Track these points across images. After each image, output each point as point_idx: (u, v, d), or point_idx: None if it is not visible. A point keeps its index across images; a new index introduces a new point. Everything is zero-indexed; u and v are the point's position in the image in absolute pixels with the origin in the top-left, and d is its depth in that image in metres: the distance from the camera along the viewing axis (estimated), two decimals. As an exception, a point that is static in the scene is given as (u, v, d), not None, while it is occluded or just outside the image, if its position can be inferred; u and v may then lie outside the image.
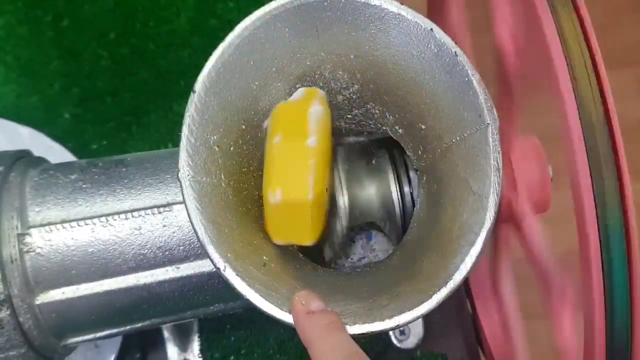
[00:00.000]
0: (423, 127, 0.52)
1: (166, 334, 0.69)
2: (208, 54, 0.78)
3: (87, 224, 0.53)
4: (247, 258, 0.47)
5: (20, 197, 0.53)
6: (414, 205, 0.56)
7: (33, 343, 0.53)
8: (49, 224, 0.52)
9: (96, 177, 0.55)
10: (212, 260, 0.45)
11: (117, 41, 0.79)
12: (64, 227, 0.53)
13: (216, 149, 0.48)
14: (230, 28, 0.71)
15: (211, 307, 0.57)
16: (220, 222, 0.46)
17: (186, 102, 0.74)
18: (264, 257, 0.48)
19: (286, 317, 0.43)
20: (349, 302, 0.46)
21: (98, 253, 0.53)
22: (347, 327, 0.43)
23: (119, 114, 0.76)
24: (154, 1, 0.80)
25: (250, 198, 0.50)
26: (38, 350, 0.54)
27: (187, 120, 0.47)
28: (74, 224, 0.53)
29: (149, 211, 0.53)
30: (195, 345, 0.69)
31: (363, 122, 0.55)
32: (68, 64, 0.78)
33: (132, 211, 0.53)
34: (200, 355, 0.69)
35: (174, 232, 0.53)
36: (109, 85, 0.77)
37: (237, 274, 0.45)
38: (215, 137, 0.48)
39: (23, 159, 0.56)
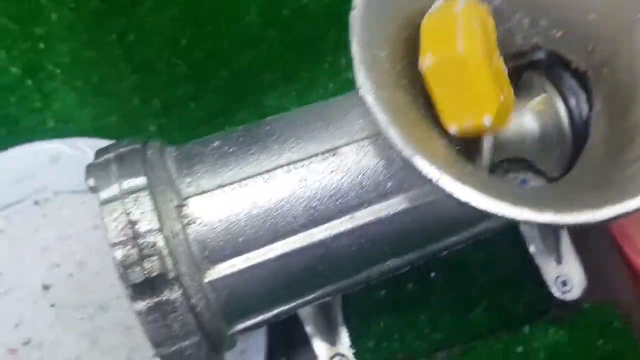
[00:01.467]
0: (591, 16, 0.47)
1: (310, 329, 0.62)
2: (286, 44, 0.75)
3: (246, 185, 0.47)
4: (451, 166, 0.41)
5: (167, 171, 0.47)
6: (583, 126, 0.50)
7: (206, 330, 0.46)
8: (204, 192, 0.47)
9: (240, 139, 0.50)
10: (422, 173, 0.39)
11: (190, 47, 0.75)
12: (223, 191, 0.47)
13: (386, 58, 0.43)
14: (305, 14, 0.68)
15: (387, 263, 0.51)
16: (414, 134, 0.41)
17: (277, 95, 0.70)
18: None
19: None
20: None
21: (264, 214, 0.47)
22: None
23: (206, 118, 0.71)
24: (218, 3, 0.76)
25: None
26: (209, 338, 0.47)
27: (354, 38, 0.42)
28: (232, 186, 0.47)
29: (312, 159, 0.48)
30: (344, 336, 0.62)
31: (507, 41, 0.50)
32: (143, 78, 0.74)
33: (292, 163, 0.48)
34: (352, 346, 0.62)
35: (342, 178, 0.48)
36: (190, 91, 0.72)
37: (454, 179, 0.39)
38: (383, 52, 0.43)
39: (151, 141, 0.51)
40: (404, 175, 0.48)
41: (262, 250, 0.48)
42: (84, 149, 0.68)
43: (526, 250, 0.64)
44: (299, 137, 0.50)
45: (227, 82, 0.74)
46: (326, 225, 0.48)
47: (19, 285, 0.62)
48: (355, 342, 0.63)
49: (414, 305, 0.64)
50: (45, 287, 0.62)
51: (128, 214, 0.45)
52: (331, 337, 0.62)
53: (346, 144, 0.49)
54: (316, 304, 0.58)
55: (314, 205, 0.48)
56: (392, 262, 0.51)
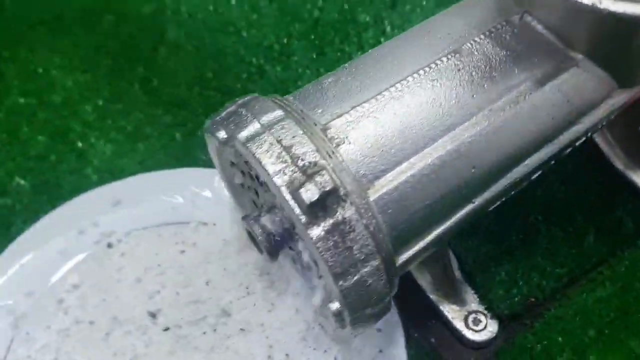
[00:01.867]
0: None
1: (434, 297, 0.60)
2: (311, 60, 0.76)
3: (381, 98, 0.47)
4: None
5: (296, 107, 0.46)
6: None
7: (382, 253, 0.43)
8: (341, 115, 0.46)
9: (353, 70, 0.49)
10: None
11: (217, 77, 0.74)
12: (358, 111, 0.46)
13: None
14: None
15: (525, 162, 0.49)
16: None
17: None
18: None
19: None
20: None
21: (407, 121, 0.46)
22: None
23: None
24: (233, 33, 0.77)
25: None
26: (386, 265, 0.44)
27: None
28: (366, 104, 0.46)
29: (437, 62, 0.48)
30: (470, 294, 0.60)
31: None
32: (178, 115, 0.73)
33: (419, 69, 0.47)
34: (481, 302, 0.59)
35: (472, 73, 0.48)
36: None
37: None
38: None
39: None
40: (529, 59, 0.48)
41: (416, 158, 0.46)
42: (144, 187, 0.66)
43: (614, 173, 0.65)
44: (413, 51, 0.49)
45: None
46: (467, 123, 0.47)
47: (121, 321, 0.56)
48: (483, 298, 0.60)
49: (527, 250, 0.62)
50: (152, 315, 0.56)
51: (279, 141, 0.43)
52: (458, 299, 0.59)
53: (463, 44, 0.48)
54: (435, 270, 0.58)
55: (452, 103, 0.47)
56: (528, 162, 0.49)
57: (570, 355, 0.56)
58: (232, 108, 0.46)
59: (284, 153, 0.42)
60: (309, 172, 0.41)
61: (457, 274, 0.60)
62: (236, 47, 0.78)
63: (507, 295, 0.60)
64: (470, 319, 0.58)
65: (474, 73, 0.47)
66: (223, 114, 0.46)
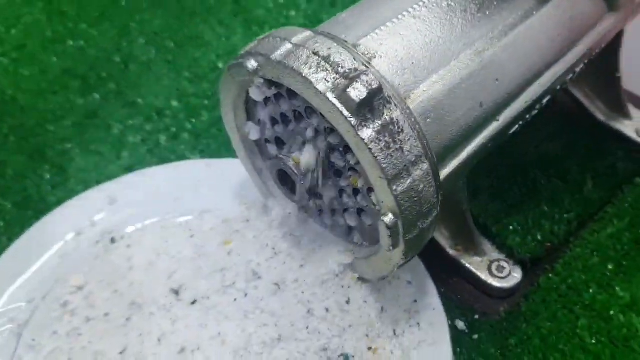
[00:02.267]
0: None
1: (453, 252, 0.60)
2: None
3: (403, 16, 0.48)
4: None
5: (322, 32, 0.47)
6: None
7: (428, 156, 0.44)
8: (367, 34, 0.47)
9: (364, 3, 0.51)
10: None
11: (194, 84, 0.75)
12: (385, 27, 0.47)
13: None
14: None
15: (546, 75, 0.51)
16: None
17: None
18: None
19: None
20: None
21: (431, 36, 0.48)
22: None
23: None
24: (202, 45, 0.78)
25: None
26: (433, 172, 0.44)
27: None
28: (391, 21, 0.47)
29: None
30: (488, 244, 0.61)
31: None
32: (160, 122, 0.72)
33: None
34: (500, 251, 0.60)
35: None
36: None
37: None
38: None
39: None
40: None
41: (442, 72, 0.47)
42: (138, 183, 0.64)
43: (598, 124, 0.68)
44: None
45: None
46: (486, 39, 0.49)
47: (141, 305, 0.53)
48: (501, 248, 0.60)
49: (533, 202, 0.63)
50: (175, 292, 0.54)
51: (316, 53, 0.43)
52: (478, 250, 0.59)
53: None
54: (453, 224, 0.58)
55: (469, 20, 0.49)
56: (541, 80, 0.51)
57: (596, 289, 0.56)
58: (255, 43, 0.46)
59: (323, 62, 0.42)
60: (351, 76, 0.41)
61: (474, 228, 0.60)
62: (208, 56, 0.77)
63: (523, 242, 0.60)
64: (494, 267, 0.58)
65: (482, -5, 0.49)
66: (248, 48, 0.46)
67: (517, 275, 0.57)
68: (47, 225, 0.60)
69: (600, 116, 0.68)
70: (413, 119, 0.43)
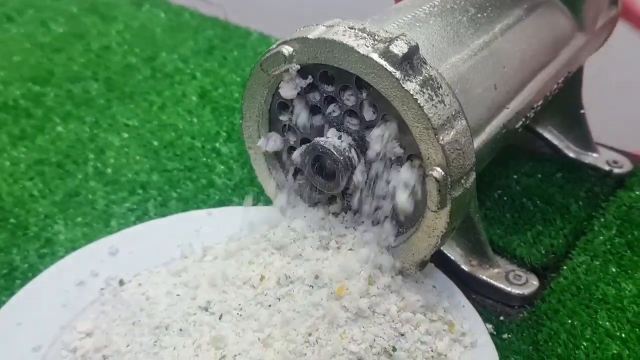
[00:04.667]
0: None
1: (467, 267, 0.62)
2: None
3: (417, 14, 0.54)
4: None
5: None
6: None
7: (464, 116, 0.48)
8: (388, 24, 0.52)
9: (378, 14, 0.57)
10: None
11: (174, 160, 0.77)
12: (402, 20, 0.53)
13: None
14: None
15: (539, 76, 0.58)
16: None
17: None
18: None
19: None
20: None
21: (444, 29, 0.53)
22: None
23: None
24: (175, 130, 0.81)
25: None
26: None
27: None
28: (408, 17, 0.53)
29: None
30: (496, 257, 0.63)
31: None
32: (144, 193, 0.73)
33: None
34: (510, 262, 0.63)
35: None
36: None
37: None
38: None
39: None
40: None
41: (461, 54, 0.52)
42: (138, 234, 0.63)
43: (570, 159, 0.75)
44: None
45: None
46: (491, 33, 0.55)
47: (168, 324, 0.51)
48: (511, 260, 0.63)
49: (527, 224, 0.67)
50: (204, 308, 0.52)
51: (352, 27, 0.47)
52: (491, 263, 0.61)
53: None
54: (465, 240, 0.60)
55: (470, 17, 0.54)
56: (539, 77, 0.57)
57: (604, 287, 0.59)
58: (283, 39, 0.49)
59: (360, 33, 0.46)
60: (389, 39, 0.45)
61: (486, 242, 0.62)
62: (184, 138, 0.79)
63: (529, 253, 0.62)
64: (511, 276, 0.60)
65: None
66: (278, 42, 0.49)
67: (534, 282, 0.59)
68: (44, 280, 0.57)
69: (571, 154, 0.74)
70: (445, 82, 0.46)
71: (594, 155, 0.73)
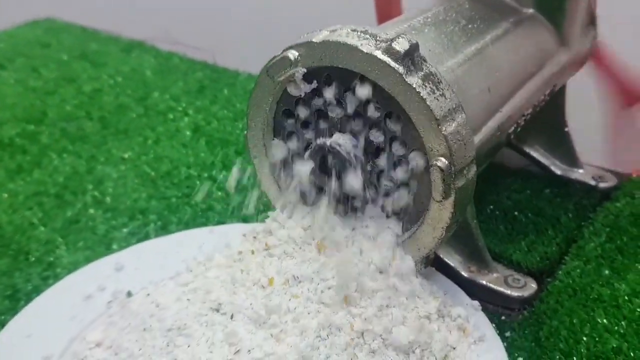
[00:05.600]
0: None
1: (467, 274, 0.64)
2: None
3: (413, 24, 0.57)
4: None
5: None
6: None
7: (463, 113, 0.52)
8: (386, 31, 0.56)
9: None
10: None
11: (171, 188, 0.80)
12: (400, 28, 0.56)
13: None
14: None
15: (527, 85, 0.62)
16: None
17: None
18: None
19: None
20: None
21: (439, 38, 0.57)
22: None
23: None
24: (169, 162, 0.84)
25: None
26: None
27: None
28: (405, 26, 0.57)
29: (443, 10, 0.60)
30: (494, 263, 0.65)
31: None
32: (144, 219, 0.75)
33: (435, 11, 0.60)
34: (508, 267, 0.65)
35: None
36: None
37: None
38: None
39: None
40: (499, 13, 0.62)
41: (457, 58, 0.55)
42: (143, 250, 0.65)
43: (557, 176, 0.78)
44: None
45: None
46: (482, 41, 0.58)
47: (180, 327, 0.52)
48: (507, 265, 0.65)
49: (520, 234, 0.69)
50: (215, 309, 0.53)
51: (354, 30, 0.50)
52: (490, 268, 0.63)
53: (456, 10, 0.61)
54: (463, 246, 0.61)
55: (462, 27, 0.58)
56: (527, 86, 0.61)
57: (599, 287, 0.61)
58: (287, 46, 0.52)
59: (363, 34, 0.49)
60: (391, 38, 0.48)
61: (484, 249, 0.64)
62: (180, 168, 0.81)
63: (525, 259, 0.64)
64: (509, 280, 0.61)
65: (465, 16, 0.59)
66: (283, 49, 0.52)
67: (533, 285, 0.61)
68: (51, 295, 0.58)
69: (558, 171, 0.77)
70: (445, 81, 0.49)
71: (580, 171, 0.76)
